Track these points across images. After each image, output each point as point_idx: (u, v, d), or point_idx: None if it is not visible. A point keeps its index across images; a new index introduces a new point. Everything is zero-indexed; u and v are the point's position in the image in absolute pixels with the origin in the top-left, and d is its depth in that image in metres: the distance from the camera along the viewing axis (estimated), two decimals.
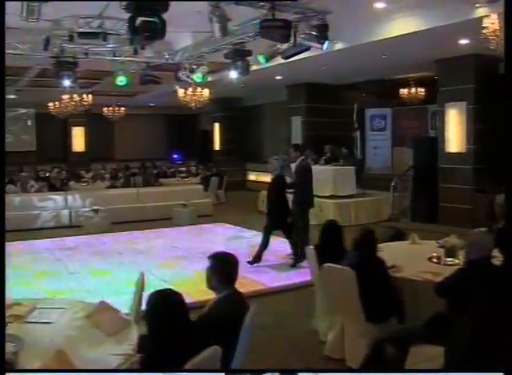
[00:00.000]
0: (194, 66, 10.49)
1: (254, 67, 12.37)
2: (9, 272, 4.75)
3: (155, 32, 6.18)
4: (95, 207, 11.62)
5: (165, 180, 15.22)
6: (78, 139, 21.46)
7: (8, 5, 6.50)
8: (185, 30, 9.70)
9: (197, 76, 10.47)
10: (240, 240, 10.36)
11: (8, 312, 3.60)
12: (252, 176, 18.41)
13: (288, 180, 8.63)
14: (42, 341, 3.36)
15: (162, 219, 12.13)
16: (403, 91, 15.43)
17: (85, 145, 21.53)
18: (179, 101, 19.34)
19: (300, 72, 13.34)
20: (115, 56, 9.31)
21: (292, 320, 6.03)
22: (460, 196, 11.34)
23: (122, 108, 18.99)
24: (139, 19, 6.11)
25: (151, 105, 21.11)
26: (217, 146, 20.01)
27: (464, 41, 9.94)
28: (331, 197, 12.11)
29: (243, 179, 19.40)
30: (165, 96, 18.23)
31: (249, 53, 9.20)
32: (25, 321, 3.68)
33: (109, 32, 7.63)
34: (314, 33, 7.58)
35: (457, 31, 9.08)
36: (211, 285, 3.62)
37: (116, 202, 12.39)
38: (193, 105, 13.26)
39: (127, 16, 7.72)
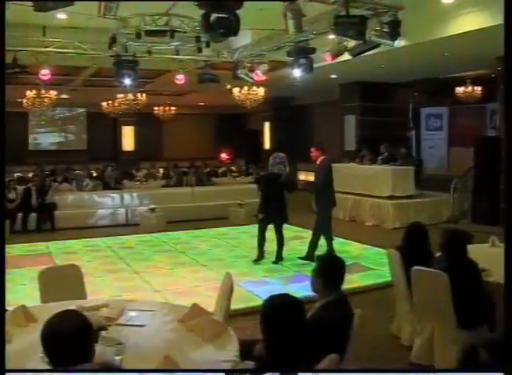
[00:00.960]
0: (254, 65, 10.40)
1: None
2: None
3: (229, 29, 6.11)
4: (152, 206, 11.63)
5: (217, 180, 15.17)
6: (128, 138, 21.69)
7: (77, 3, 6.59)
8: (244, 27, 9.69)
9: (257, 74, 10.36)
10: (299, 240, 10.20)
11: (98, 314, 3.55)
12: (302, 176, 18.21)
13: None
14: (142, 344, 3.28)
15: (218, 219, 12.07)
16: (459, 90, 15.05)
17: (134, 144, 21.73)
18: (228, 100, 19.43)
19: (355, 70, 13.12)
20: (177, 54, 9.27)
21: (369, 324, 5.84)
22: None
23: (173, 108, 19.06)
24: (213, 16, 6.04)
25: (201, 104, 21.12)
26: (267, 145, 19.89)
27: None
28: (389, 197, 11.85)
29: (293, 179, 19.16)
30: (214, 95, 18.29)
31: (313, 51, 9.07)
32: (117, 323, 3.61)
33: (176, 29, 7.56)
34: (386, 29, 7.39)
35: None
36: (315, 288, 3.49)
37: (171, 201, 12.38)
38: (247, 103, 13.16)
39: (194, 13, 7.85)
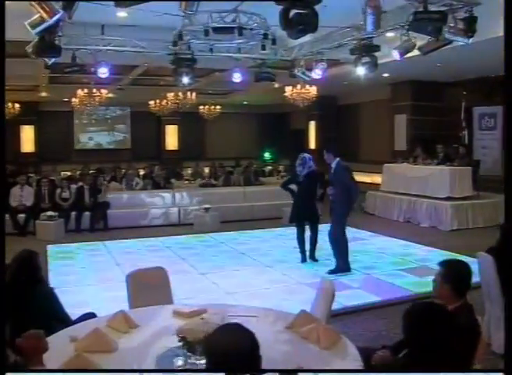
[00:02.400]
0: (312, 63, 10.20)
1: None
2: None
3: (309, 25, 5.94)
4: (206, 205, 11.53)
5: (265, 179, 15.03)
6: (171, 137, 21.71)
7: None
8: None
9: (316, 73, 10.15)
10: (359, 241, 10.01)
11: (211, 322, 3.41)
12: None
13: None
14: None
15: (271, 219, 11.91)
16: None
17: (178, 143, 21.73)
18: (272, 99, 19.33)
19: (408, 69, 12.83)
20: (239, 52, 9.15)
21: None
22: None
23: (218, 107, 18.99)
24: (292, 12, 5.88)
25: (244, 103, 21.01)
26: (312, 145, 19.66)
27: None
28: (447, 198, 11.55)
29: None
30: (258, 94, 18.18)
31: (377, 48, 8.84)
32: None
33: (244, 27, 7.41)
34: (461, 26, 7.13)
35: None
36: (440, 293, 3.32)
37: (223, 201, 12.28)
38: (300, 102, 12.98)
39: (261, 10, 7.72)
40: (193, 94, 15.44)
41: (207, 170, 17.54)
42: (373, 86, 15.47)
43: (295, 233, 9.80)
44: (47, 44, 7.14)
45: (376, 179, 16.01)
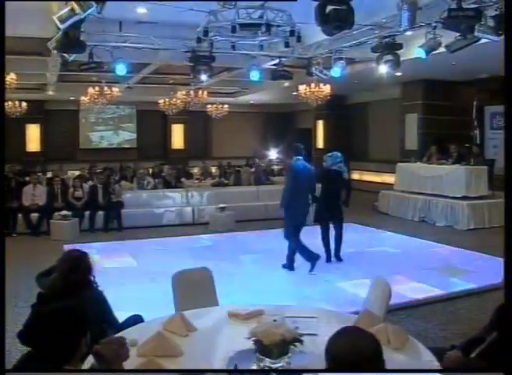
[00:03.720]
0: (331, 61, 10.14)
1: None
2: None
3: (346, 21, 5.87)
4: (222, 205, 11.43)
5: (276, 178, 14.92)
6: (177, 136, 21.61)
7: None
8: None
9: (335, 71, 10.08)
10: (379, 241, 9.95)
11: (285, 325, 3.30)
12: (356, 175, 17.87)
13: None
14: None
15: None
16: None
17: (184, 142, 21.62)
18: (279, 98, 19.26)
19: (420, 67, 12.76)
20: (261, 50, 9.08)
21: None
22: None
23: (226, 106, 18.88)
24: (329, 8, 5.81)
25: (251, 102, 20.91)
26: (320, 144, 19.59)
27: None
28: (463, 198, 11.49)
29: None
30: (265, 94, 18.10)
31: (400, 46, 8.78)
32: None
33: (271, 23, 7.32)
34: (491, 24, 7.06)
35: None
36: None
37: (237, 200, 12.18)
38: (313, 101, 12.90)
39: (287, 6, 7.63)
40: (205, 92, 15.33)
41: (214, 169, 17.44)
42: (383, 85, 15.41)
43: (313, 233, 9.75)
44: (72, 39, 7.03)
45: (386, 178, 15.98)
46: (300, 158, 7.83)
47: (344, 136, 18.74)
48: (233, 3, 6.06)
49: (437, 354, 3.24)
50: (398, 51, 8.82)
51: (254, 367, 2.90)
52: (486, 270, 7.75)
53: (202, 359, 3.08)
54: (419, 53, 8.17)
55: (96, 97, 13.82)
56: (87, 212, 11.22)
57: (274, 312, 3.73)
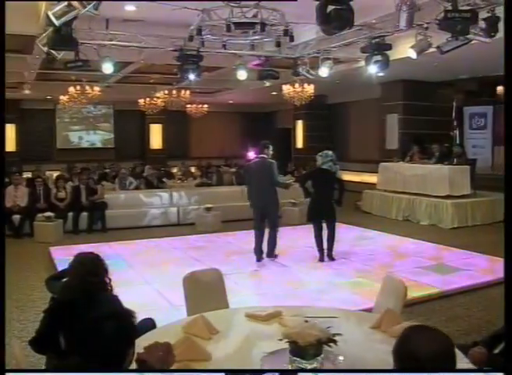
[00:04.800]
0: (319, 61, 10.16)
1: (362, 63, 12.12)
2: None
3: (347, 21, 5.88)
4: (208, 205, 11.35)
5: None
6: (156, 136, 21.44)
7: None
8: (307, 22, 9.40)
9: (323, 71, 10.11)
10: (367, 240, 10.02)
11: (318, 326, 3.26)
12: None
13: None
14: (359, 357, 3.03)
15: None
16: (501, 89, 14.85)
17: (162, 142, 21.45)
18: (257, 98, 19.23)
19: (400, 68, 12.87)
20: (253, 49, 9.05)
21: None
22: None
23: (205, 106, 18.77)
24: (330, 8, 5.81)
25: (230, 102, 20.84)
26: (299, 144, 19.64)
27: None
28: (446, 197, 11.64)
29: None
30: (245, 94, 18.05)
31: (389, 47, 8.85)
32: None
33: (266, 22, 7.28)
34: (483, 26, 7.16)
35: None
36: None
37: (222, 200, 12.09)
38: (296, 101, 12.92)
39: (280, 6, 7.60)
40: (187, 92, 15.23)
41: (193, 169, 17.36)
42: (364, 85, 15.53)
43: (300, 233, 9.79)
44: (63, 36, 6.88)
45: (366, 178, 16.10)
46: (262, 155, 8.47)
47: (324, 136, 18.81)
48: (238, 2, 6.00)
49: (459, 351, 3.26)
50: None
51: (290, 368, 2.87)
52: (477, 268, 7.91)
53: (233, 362, 3.03)
54: (410, 54, 8.22)
55: (76, 96, 13.57)
56: (71, 214, 11.02)
57: (293, 312, 3.72)
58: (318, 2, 5.83)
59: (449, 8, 6.49)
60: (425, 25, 7.70)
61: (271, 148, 8.60)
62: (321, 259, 8.25)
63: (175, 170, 17.41)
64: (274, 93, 16.98)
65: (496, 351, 3.34)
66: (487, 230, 11.16)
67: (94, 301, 3.54)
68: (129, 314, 2.32)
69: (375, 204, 13.31)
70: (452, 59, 11.53)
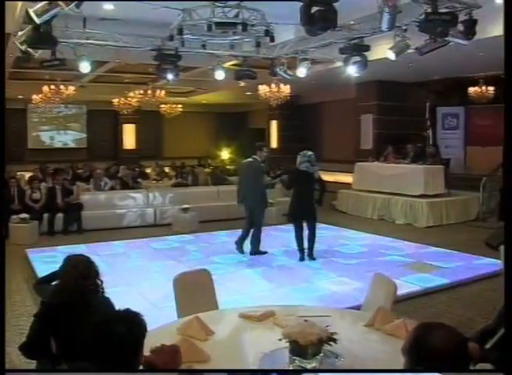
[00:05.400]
0: (297, 61, 10.20)
1: (338, 64, 12.23)
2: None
3: (330, 22, 5.92)
4: (185, 205, 11.29)
5: (233, 178, 14.86)
6: (129, 136, 21.28)
7: None
8: (286, 22, 9.44)
9: (300, 72, 10.16)
10: (345, 239, 10.10)
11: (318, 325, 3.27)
12: None
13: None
14: (357, 355, 3.05)
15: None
16: (472, 90, 15.13)
17: (136, 142, 21.28)
18: (232, 98, 19.23)
19: (375, 69, 13.00)
20: (233, 49, 9.05)
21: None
22: None
23: (179, 106, 18.68)
24: (314, 9, 5.84)
25: (204, 102, 20.78)
26: (274, 144, 19.68)
27: None
28: (421, 196, 11.82)
29: None
30: (218, 94, 18.05)
31: (367, 48, 8.93)
32: None
33: (247, 22, 7.28)
34: (461, 28, 7.28)
35: None
36: None
37: (198, 201, 12.04)
38: (272, 101, 12.95)
39: (261, 6, 7.61)
40: (163, 92, 15.13)
41: (167, 169, 17.25)
42: (338, 85, 15.65)
43: (278, 232, 9.82)
44: (43, 34, 6.75)
45: (340, 178, 16.21)
46: (254, 156, 8.76)
47: (298, 136, 18.89)
48: (223, 2, 5.99)
49: None
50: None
51: (291, 368, 2.88)
52: (455, 265, 8.05)
53: (232, 363, 3.03)
54: (389, 55, 8.30)
55: (50, 95, 13.35)
56: (46, 215, 10.85)
57: (285, 312, 3.74)
58: (302, 3, 5.85)
59: (430, 10, 6.58)
60: (404, 27, 7.78)
61: (264, 149, 8.88)
62: (302, 259, 8.29)
63: (149, 170, 17.27)
64: (249, 93, 17.00)
65: (488, 346, 3.39)
66: (461, 229, 11.38)
67: (87, 305, 3.49)
68: (137, 316, 2.30)
69: (350, 203, 13.43)
70: (425, 61, 11.73)
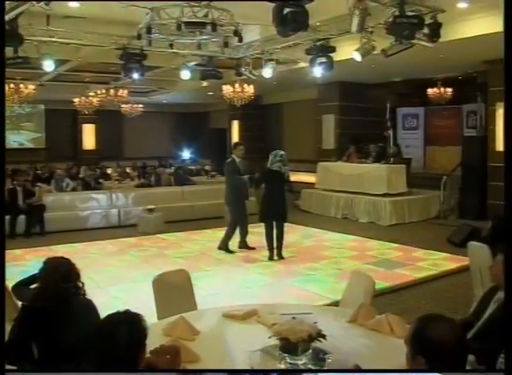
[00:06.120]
0: (263, 62, 10.25)
1: (301, 64, 12.34)
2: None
3: (302, 23, 5.98)
4: (150, 206, 11.19)
5: (196, 179, 14.86)
6: (88, 136, 20.94)
7: None
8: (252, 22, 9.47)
9: (266, 72, 10.22)
10: (311, 238, 10.23)
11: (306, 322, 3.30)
12: None
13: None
14: (343, 351, 3.11)
15: (213, 218, 11.66)
16: (430, 91, 15.49)
17: (95, 143, 20.95)
18: (192, 98, 19.15)
19: (337, 70, 13.16)
20: (200, 49, 9.02)
21: None
22: None
23: (140, 106, 18.48)
24: (287, 10, 5.89)
25: (164, 102, 20.62)
26: None
27: None
28: (384, 195, 12.03)
29: None
30: (179, 94, 17.95)
31: (334, 49, 9.04)
32: None
33: (216, 22, 7.28)
34: (426, 31, 7.45)
35: None
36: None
37: (163, 201, 11.92)
38: (236, 101, 12.97)
39: (229, 6, 7.61)
40: (125, 91, 14.96)
41: (128, 170, 17.07)
42: (300, 86, 15.79)
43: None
44: (9, 32, 6.60)
45: (302, 177, 16.29)
46: (232, 155, 9.13)
47: (259, 136, 18.97)
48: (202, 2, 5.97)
49: None
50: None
51: (282, 366, 2.91)
52: (420, 262, 8.25)
53: (221, 362, 3.03)
54: (355, 56, 8.43)
55: (10, 95, 13.01)
56: (7, 217, 10.56)
57: (267, 310, 3.78)
58: (274, 4, 5.90)
59: (397, 13, 6.72)
60: (370, 29, 7.91)
61: (239, 148, 9.04)
62: (271, 258, 8.34)
63: (109, 171, 17.07)
64: (210, 93, 16.97)
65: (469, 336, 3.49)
66: (423, 227, 11.64)
67: (68, 308, 3.44)
68: (138, 317, 2.29)
69: (313, 203, 13.56)
70: (387, 62, 11.96)
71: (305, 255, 8.72)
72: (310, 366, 2.90)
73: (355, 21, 6.44)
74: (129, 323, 2.21)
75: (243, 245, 9.05)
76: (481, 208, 11.99)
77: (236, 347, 3.28)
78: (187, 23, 7.25)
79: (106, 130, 20.95)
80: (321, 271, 7.70)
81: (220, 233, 9.55)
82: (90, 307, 3.69)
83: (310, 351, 2.94)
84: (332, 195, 13.04)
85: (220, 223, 10.66)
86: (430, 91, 15.43)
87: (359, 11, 6.28)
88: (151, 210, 11.18)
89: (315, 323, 3.01)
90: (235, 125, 19.57)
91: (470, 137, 13.07)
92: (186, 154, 22.19)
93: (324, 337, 2.92)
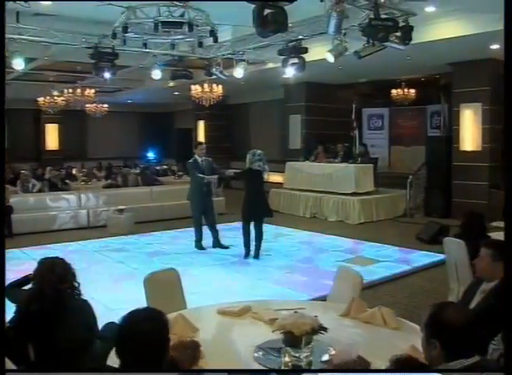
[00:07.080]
0: (234, 62, 10.31)
1: (270, 65, 12.47)
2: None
3: (282, 24, 6.07)
4: (121, 207, 11.08)
5: (164, 179, 14.79)
6: (52, 136, 20.59)
7: None
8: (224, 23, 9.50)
9: (237, 72, 10.28)
10: (283, 237, 10.32)
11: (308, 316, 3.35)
12: None
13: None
14: (340, 343, 3.18)
15: (181, 218, 11.58)
16: (394, 92, 15.83)
17: (59, 143, 20.59)
18: (157, 98, 19.05)
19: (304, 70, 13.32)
20: (173, 49, 9.01)
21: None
22: (475, 192, 11.74)
23: (105, 105, 18.25)
24: (267, 11, 5.97)
25: (129, 102, 20.44)
26: None
27: (495, 46, 10.10)
28: (353, 194, 12.23)
29: None
30: (144, 93, 17.84)
31: (305, 50, 9.16)
32: None
33: (193, 22, 7.29)
34: (398, 34, 7.63)
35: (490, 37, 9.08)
36: (490, 272, 3.54)
37: (132, 202, 11.80)
38: (205, 101, 12.99)
39: (205, 6, 7.63)
40: (92, 90, 14.77)
41: (94, 170, 16.86)
42: (267, 86, 15.91)
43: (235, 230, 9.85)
44: None
45: (269, 177, 16.42)
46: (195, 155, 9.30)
47: (226, 136, 19.03)
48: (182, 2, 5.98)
49: None
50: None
51: (287, 359, 2.96)
52: (392, 258, 8.44)
53: (225, 358, 3.07)
54: (328, 57, 8.55)
55: None
56: None
57: (260, 306, 3.84)
58: (255, 6, 5.96)
59: (372, 16, 6.88)
60: (343, 31, 8.04)
61: (200, 147, 9.25)
62: (247, 256, 8.39)
63: (74, 172, 16.83)
64: (176, 93, 16.93)
65: None
66: (391, 224, 11.89)
67: (65, 309, 3.43)
68: (160, 313, 2.30)
69: (282, 202, 13.65)
70: (354, 64, 12.18)
71: (279, 254, 8.81)
72: (311, 359, 2.96)
73: (332, 23, 6.54)
74: (153, 319, 2.21)
75: (217, 244, 9.11)
76: (446, 206, 12.34)
77: (237, 343, 3.32)
78: (164, 23, 7.25)
79: (70, 130, 20.65)
80: (298, 269, 7.79)
81: (191, 233, 9.57)
82: (87, 307, 3.67)
83: (312, 343, 3.02)
84: (301, 195, 13.18)
85: (191, 223, 10.61)
86: (394, 91, 15.78)
87: (336, 13, 6.38)
88: (121, 211, 11.08)
89: (316, 316, 3.09)
90: (201, 125, 19.57)
91: (434, 136, 13.41)
92: (151, 154, 22.04)
93: (326, 329, 3.01)
